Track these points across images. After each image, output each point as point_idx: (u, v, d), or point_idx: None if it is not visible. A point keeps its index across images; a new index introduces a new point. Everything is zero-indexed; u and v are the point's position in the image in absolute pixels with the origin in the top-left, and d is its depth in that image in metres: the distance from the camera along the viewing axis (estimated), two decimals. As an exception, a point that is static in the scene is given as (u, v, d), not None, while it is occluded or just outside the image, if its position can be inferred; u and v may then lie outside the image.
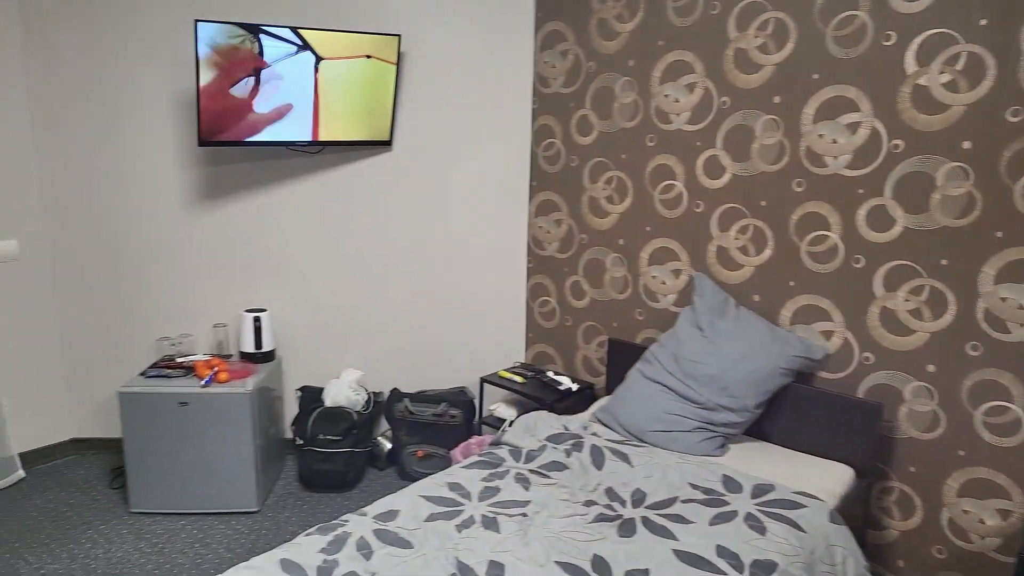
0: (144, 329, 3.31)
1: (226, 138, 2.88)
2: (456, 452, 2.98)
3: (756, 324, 2.61)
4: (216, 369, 2.94)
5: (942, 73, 2.17)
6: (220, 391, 2.85)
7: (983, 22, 2.08)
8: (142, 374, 2.96)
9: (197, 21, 2.68)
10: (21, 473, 3.19)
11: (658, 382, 2.66)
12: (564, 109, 3.12)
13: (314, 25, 3.07)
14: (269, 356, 3.17)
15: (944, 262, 2.24)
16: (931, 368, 2.31)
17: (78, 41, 3.01)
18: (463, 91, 3.19)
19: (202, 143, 2.83)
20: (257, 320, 3.11)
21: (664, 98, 2.80)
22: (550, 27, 3.10)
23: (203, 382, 2.87)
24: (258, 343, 3.13)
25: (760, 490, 2.12)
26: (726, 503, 2.05)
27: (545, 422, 2.61)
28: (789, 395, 2.55)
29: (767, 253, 2.63)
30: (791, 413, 2.55)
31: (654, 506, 2.06)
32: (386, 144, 3.19)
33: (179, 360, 3.07)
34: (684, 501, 2.08)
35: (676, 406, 2.56)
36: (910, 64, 2.23)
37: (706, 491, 2.14)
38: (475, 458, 2.38)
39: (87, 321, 3.28)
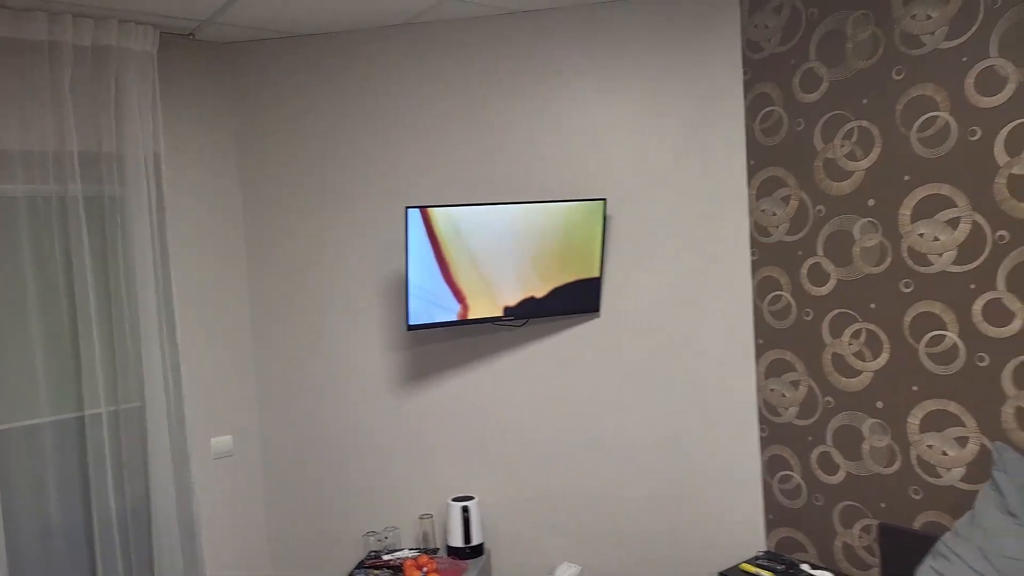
0: (351, 522, 3.20)
1: (432, 320, 2.84)
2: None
3: (1096, 508, 2.03)
4: (426, 570, 2.71)
5: None
6: (433, 593, 2.60)
7: None
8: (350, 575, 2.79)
9: (408, 208, 2.73)
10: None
11: (966, 585, 2.10)
12: (792, 258, 2.83)
13: (516, 199, 3.06)
14: (478, 550, 2.91)
15: None
16: None
17: (293, 225, 3.19)
18: (672, 249, 3.00)
19: (411, 327, 2.80)
20: (465, 511, 2.89)
21: (919, 237, 2.44)
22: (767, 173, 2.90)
23: (415, 583, 2.64)
24: (467, 536, 2.89)
25: None
26: None
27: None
28: None
29: (1094, 415, 2.09)
30: None
31: None
32: (595, 311, 3.02)
33: (386, 557, 2.89)
34: None
35: (999, 619, 1.99)
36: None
37: None
38: None
39: (295, 517, 3.23)
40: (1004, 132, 2.22)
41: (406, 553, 2.92)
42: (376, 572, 2.78)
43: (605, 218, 2.96)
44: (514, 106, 3.07)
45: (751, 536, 2.99)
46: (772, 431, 2.94)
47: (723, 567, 2.89)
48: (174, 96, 3.03)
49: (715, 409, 3.00)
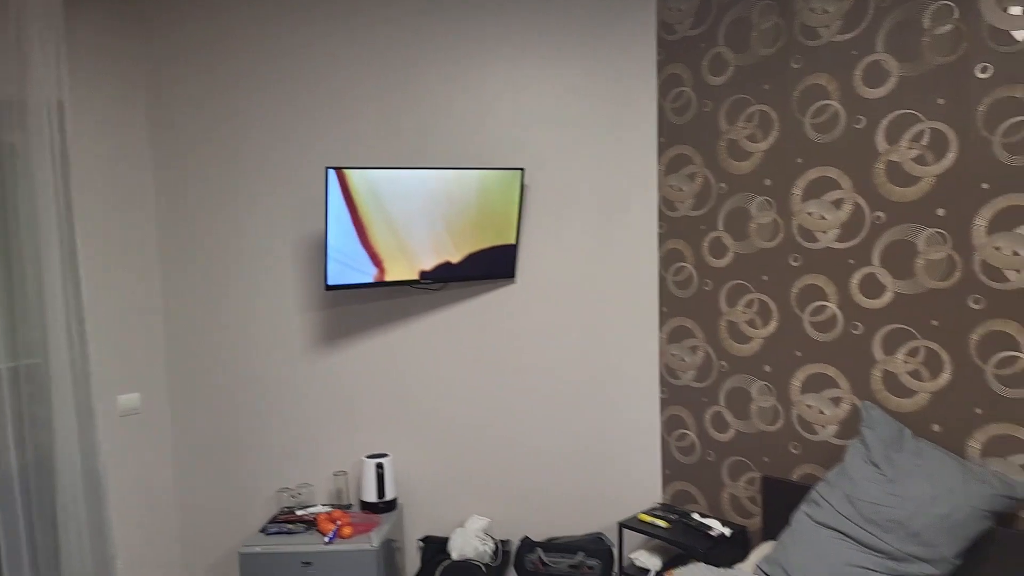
0: (263, 479, 3.21)
1: (352, 280, 2.86)
2: (600, 610, 2.68)
3: (942, 459, 2.31)
4: (339, 523, 2.78)
5: None
6: (345, 548, 2.68)
7: None
8: (262, 530, 2.82)
9: (328, 168, 2.73)
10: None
11: (832, 527, 2.35)
12: (695, 232, 3.02)
13: (436, 164, 3.10)
14: (391, 505, 3.00)
15: None
16: None
17: (205, 180, 3.12)
18: (584, 219, 3.14)
19: (329, 287, 2.81)
20: (379, 467, 2.97)
21: (807, 216, 2.66)
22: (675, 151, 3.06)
23: (327, 538, 2.70)
24: (380, 492, 2.97)
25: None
26: None
27: (707, 578, 2.33)
28: (993, 542, 2.20)
29: (945, 377, 2.37)
30: (998, 563, 2.19)
31: None
32: (510, 278, 3.12)
33: (299, 513, 2.93)
34: None
35: (858, 557, 2.25)
36: None
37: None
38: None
39: (206, 474, 3.20)
40: (885, 122, 2.45)
41: (319, 508, 2.97)
42: (289, 526, 2.82)
43: (522, 187, 3.05)
44: (435, 71, 3.10)
45: (650, 489, 3.22)
46: (671, 393, 3.15)
47: (623, 518, 3.10)
48: (81, 42, 2.89)
49: (621, 372, 3.19)
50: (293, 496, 3.05)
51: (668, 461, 3.19)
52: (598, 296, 3.16)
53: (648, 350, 3.18)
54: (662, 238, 3.13)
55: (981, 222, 2.26)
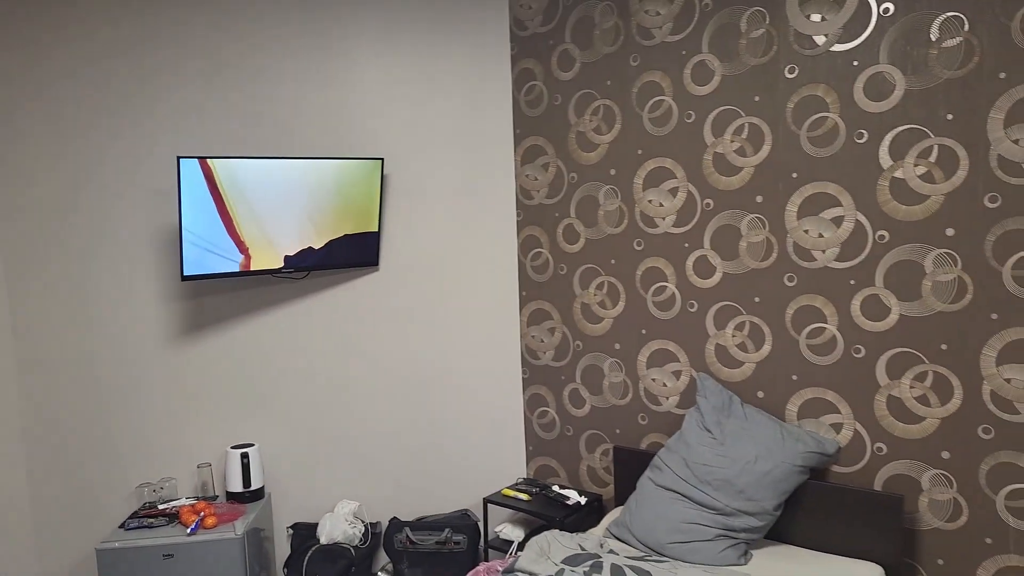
0: (124, 476, 3.12)
1: (209, 270, 2.84)
2: (464, 582, 2.80)
3: (764, 422, 2.57)
4: (203, 514, 2.76)
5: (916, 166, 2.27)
6: (208, 538, 2.67)
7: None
8: (121, 526, 2.77)
9: (180, 158, 2.69)
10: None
11: (671, 489, 2.57)
12: (550, 219, 3.17)
13: (296, 154, 3.11)
14: (258, 494, 3.00)
15: (944, 347, 2.26)
16: (946, 455, 2.28)
17: (51, 169, 2.99)
18: (446, 207, 3.23)
19: (185, 278, 2.78)
20: (244, 456, 2.96)
21: (648, 203, 2.86)
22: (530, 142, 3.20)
23: (189, 529, 2.69)
24: (246, 481, 2.97)
25: (799, 602, 2.01)
26: (767, 621, 1.94)
27: (558, 542, 2.48)
28: (806, 493, 2.48)
29: (766, 348, 2.63)
30: (811, 512, 2.47)
31: (693, 632, 1.94)
32: (373, 265, 3.18)
33: (161, 507, 2.89)
34: (723, 623, 1.96)
35: (693, 514, 2.47)
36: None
37: (743, 608, 2.02)
38: (492, 591, 2.23)
39: (61, 475, 3.08)
40: (711, 117, 2.67)
41: (183, 502, 2.94)
42: (151, 520, 2.78)
43: (383, 176, 3.11)
44: (294, 62, 3.09)
45: (514, 466, 3.37)
46: (532, 373, 3.31)
47: (490, 494, 3.23)
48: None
49: (484, 355, 3.32)
50: (155, 491, 3.00)
51: (531, 438, 3.35)
52: (461, 282, 3.27)
53: (510, 333, 3.32)
54: (520, 225, 3.27)
55: (792, 208, 2.52)
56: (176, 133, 3.03)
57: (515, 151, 3.25)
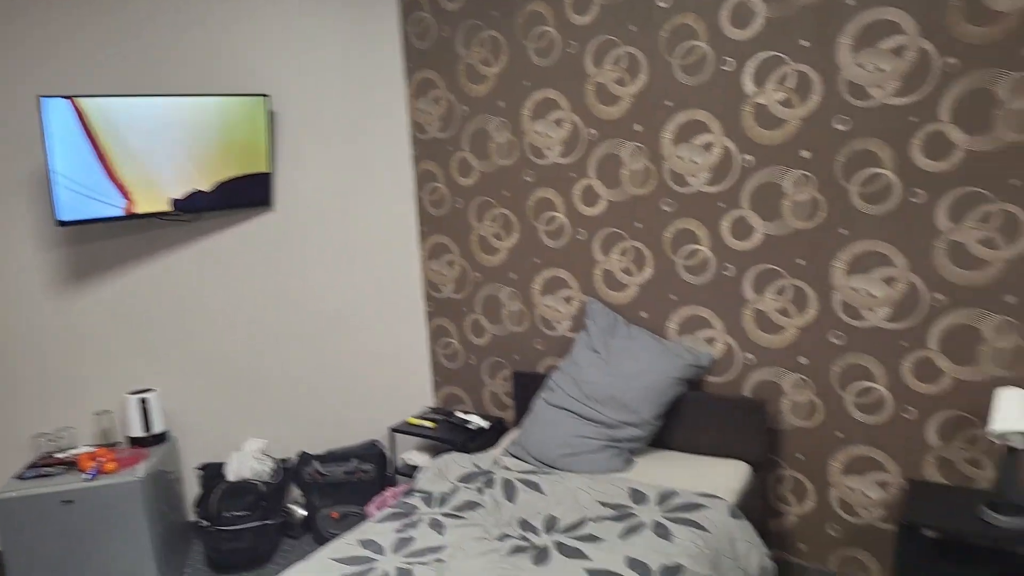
0: (18, 427, 3.07)
1: (89, 215, 2.76)
2: (371, 507, 2.92)
3: (646, 340, 2.73)
4: (102, 460, 2.77)
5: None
6: (108, 482, 2.68)
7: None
8: (17, 476, 2.75)
9: (41, 97, 2.58)
10: None
11: (563, 408, 2.72)
12: (444, 153, 3.20)
13: (176, 91, 3.01)
14: (161, 438, 3.02)
15: (801, 262, 2.44)
16: (803, 360, 2.50)
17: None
18: (340, 145, 3.21)
19: (62, 223, 2.70)
20: (143, 401, 2.96)
21: (536, 134, 2.92)
22: (421, 75, 3.19)
23: (88, 475, 2.69)
24: (147, 426, 2.97)
25: (664, 497, 2.20)
26: (634, 515, 2.12)
27: (456, 463, 2.62)
28: (684, 403, 2.67)
29: (648, 271, 2.77)
30: (688, 419, 2.67)
31: (566, 530, 2.10)
32: (266, 205, 3.15)
33: (59, 456, 2.87)
34: (594, 520, 2.13)
35: (582, 428, 2.63)
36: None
37: (615, 507, 2.20)
38: (387, 510, 2.34)
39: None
40: (591, 47, 2.72)
41: (82, 450, 2.93)
42: (48, 469, 2.77)
43: (270, 114, 3.06)
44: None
45: (421, 397, 3.48)
46: (435, 306, 3.40)
47: (395, 424, 3.34)
48: None
49: (386, 290, 3.37)
50: (52, 440, 2.98)
51: (437, 368, 3.46)
52: (360, 219, 3.29)
53: (411, 268, 3.37)
54: (416, 160, 3.29)
55: (667, 135, 2.62)
56: (43, 70, 2.89)
57: (407, 85, 3.23)
